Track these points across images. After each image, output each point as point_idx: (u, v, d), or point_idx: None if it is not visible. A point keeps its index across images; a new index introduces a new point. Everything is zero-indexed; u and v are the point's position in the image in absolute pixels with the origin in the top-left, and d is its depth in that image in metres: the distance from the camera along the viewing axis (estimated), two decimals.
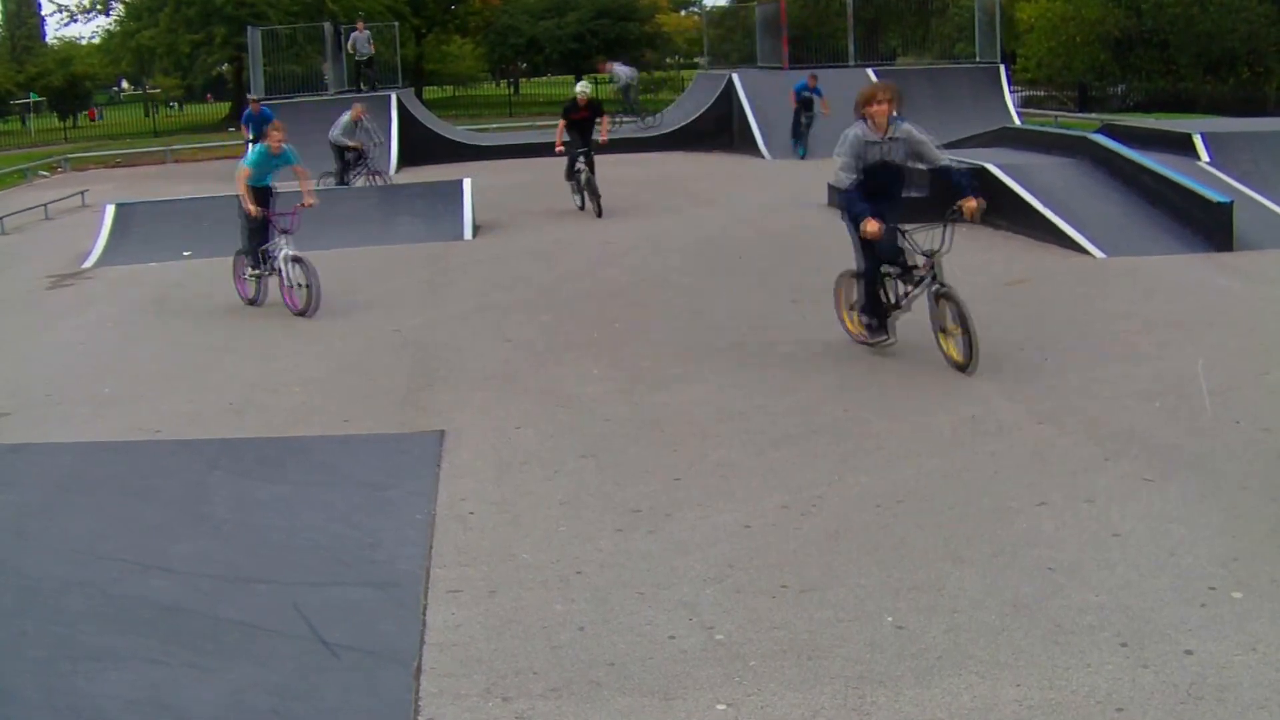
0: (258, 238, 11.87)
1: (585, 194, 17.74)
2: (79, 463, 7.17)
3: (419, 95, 41.76)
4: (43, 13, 74.17)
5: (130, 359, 10.13)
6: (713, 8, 57.79)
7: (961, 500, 6.01)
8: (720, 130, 29.01)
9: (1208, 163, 15.06)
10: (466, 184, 17.41)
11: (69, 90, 58.95)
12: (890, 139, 8.31)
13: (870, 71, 29.33)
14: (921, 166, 8.83)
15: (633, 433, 7.43)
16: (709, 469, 6.68)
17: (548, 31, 57.02)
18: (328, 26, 32.60)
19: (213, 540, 5.80)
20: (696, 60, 58.48)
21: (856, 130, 8.33)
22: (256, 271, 12.01)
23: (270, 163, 11.88)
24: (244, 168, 11.91)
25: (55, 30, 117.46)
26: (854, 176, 8.31)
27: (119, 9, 52.22)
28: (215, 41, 45.03)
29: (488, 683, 4.40)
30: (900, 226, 8.38)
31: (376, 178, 20.74)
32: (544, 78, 68.26)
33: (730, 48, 41.87)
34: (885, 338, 8.81)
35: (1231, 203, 12.94)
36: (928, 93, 26.03)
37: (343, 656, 4.59)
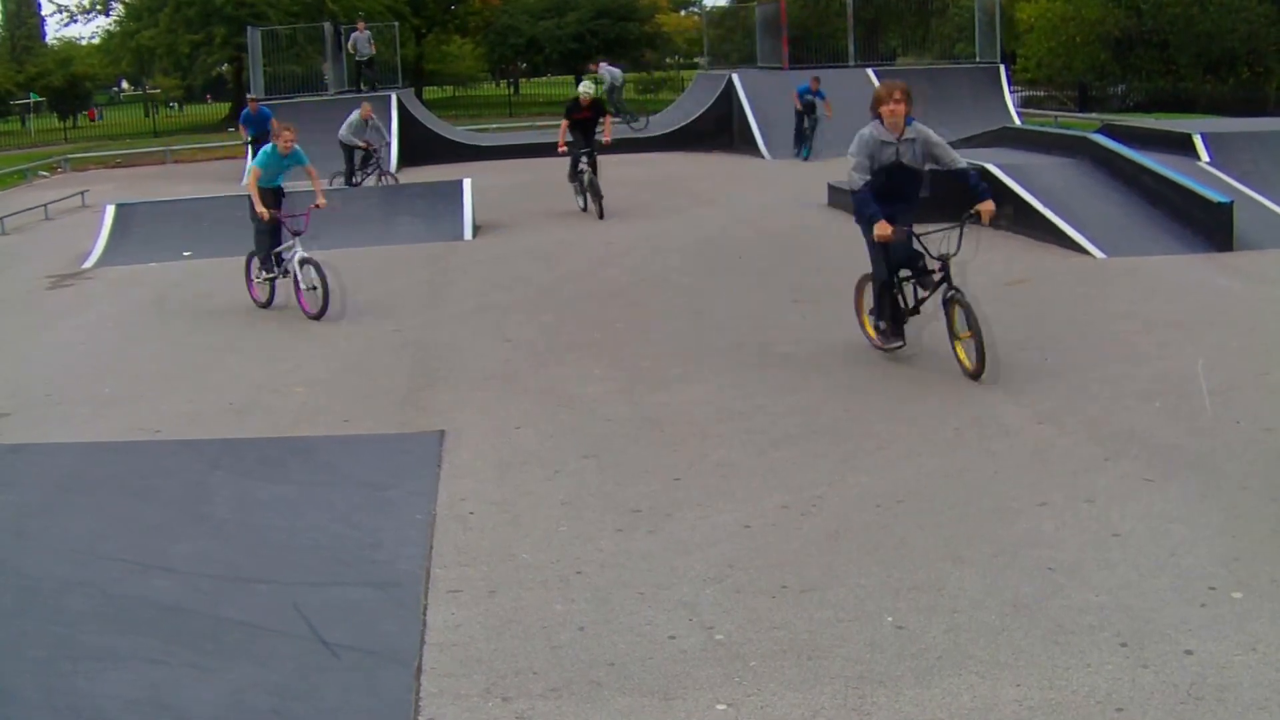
0: (269, 240, 11.70)
1: (588, 195, 17.62)
2: (79, 463, 7.17)
3: (419, 95, 41.77)
4: (43, 13, 74.39)
5: (130, 359, 10.13)
6: (712, 8, 57.83)
7: (962, 500, 6.01)
8: (720, 130, 29.02)
9: (1208, 163, 15.07)
10: (467, 184, 17.41)
11: (69, 90, 58.94)
12: (904, 140, 8.11)
13: (870, 72, 29.36)
14: (938, 169, 8.47)
15: (633, 433, 7.43)
16: (709, 469, 6.68)
17: (547, 32, 57.04)
18: (328, 27, 32.61)
19: (213, 540, 5.80)
20: (696, 60, 58.53)
21: (870, 130, 8.14)
22: (269, 275, 11.82)
23: (280, 163, 11.72)
24: (254, 169, 11.77)
25: (55, 30, 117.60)
26: (866, 177, 8.10)
27: (119, 9, 52.28)
28: (215, 42, 45.06)
29: (488, 683, 4.40)
30: (913, 230, 8.19)
31: (387, 178, 20.66)
32: (544, 78, 68.28)
33: (730, 48, 41.87)
34: (899, 343, 8.63)
35: (1232, 203, 12.94)
36: (928, 93, 26.02)
37: (343, 656, 4.59)
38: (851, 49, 31.59)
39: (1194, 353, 8.53)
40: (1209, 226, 12.88)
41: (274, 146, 11.66)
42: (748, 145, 27.50)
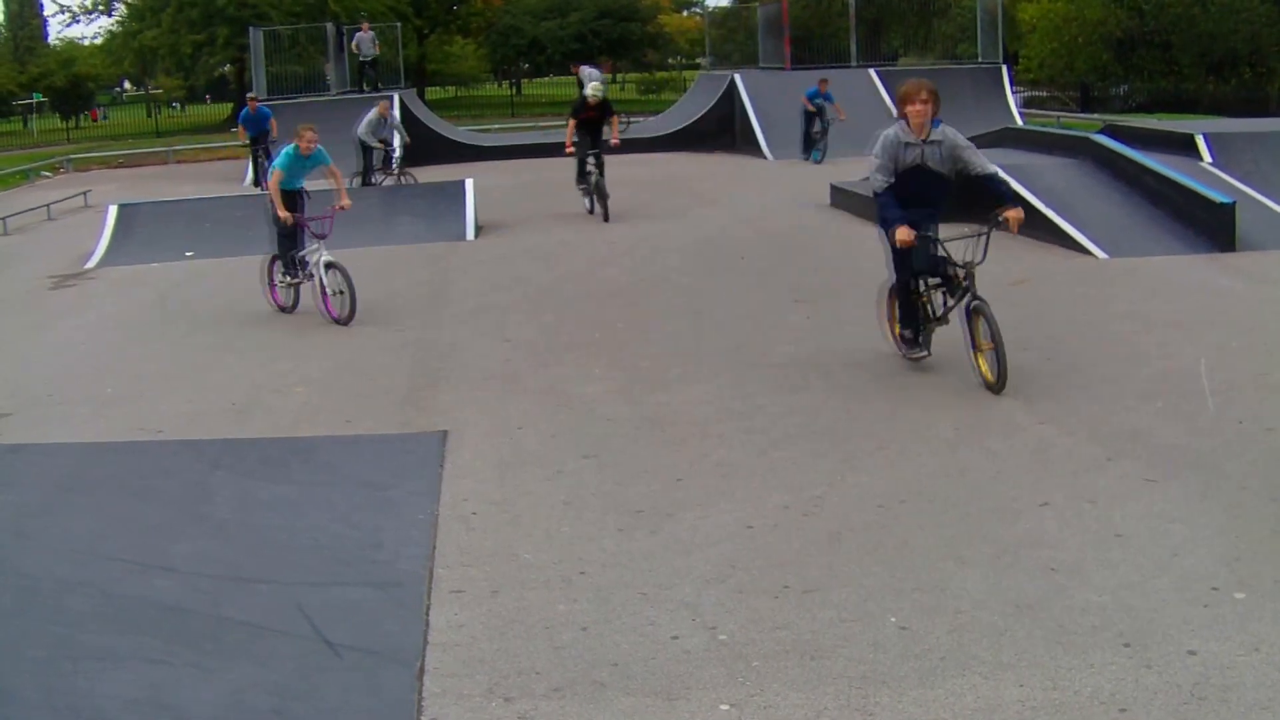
0: (290, 243, 11.40)
1: (594, 196, 17.34)
2: (80, 463, 7.16)
3: (421, 96, 41.76)
4: (45, 13, 74.22)
5: (132, 359, 10.12)
6: (715, 8, 57.92)
7: (964, 500, 6.01)
8: (722, 131, 29.04)
9: (1210, 163, 15.06)
10: (468, 184, 17.41)
11: (71, 91, 59.01)
12: (928, 142, 7.79)
13: (873, 72, 29.40)
14: (970, 173, 7.95)
15: (634, 433, 7.42)
16: (710, 469, 6.67)
17: (550, 32, 57.07)
18: (330, 27, 32.66)
19: (214, 540, 5.80)
20: (698, 61, 58.56)
21: (893, 131, 7.85)
22: (292, 280, 11.50)
23: (302, 164, 11.33)
24: (275, 170, 11.36)
25: (58, 31, 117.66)
26: (888, 180, 7.81)
27: (121, 9, 52.33)
28: (217, 42, 45.09)
29: (490, 683, 4.39)
30: (935, 236, 7.92)
31: (406, 177, 20.51)
32: (546, 78, 68.33)
33: (732, 48, 41.89)
34: (922, 353, 8.36)
35: (1234, 203, 12.94)
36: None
37: (345, 656, 4.59)
38: (854, 49, 31.60)
39: (1195, 353, 8.52)
40: (1211, 227, 12.87)
41: (295, 147, 11.24)
42: (750, 146, 27.52)
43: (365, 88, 30.25)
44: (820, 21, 42.98)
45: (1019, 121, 26.85)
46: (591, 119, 17.20)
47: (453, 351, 9.84)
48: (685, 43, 67.59)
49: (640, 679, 4.38)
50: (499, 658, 4.58)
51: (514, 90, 70.76)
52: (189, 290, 13.47)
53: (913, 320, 8.31)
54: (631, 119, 31.00)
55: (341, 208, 11.31)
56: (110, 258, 15.76)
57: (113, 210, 17.21)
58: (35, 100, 57.11)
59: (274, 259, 11.72)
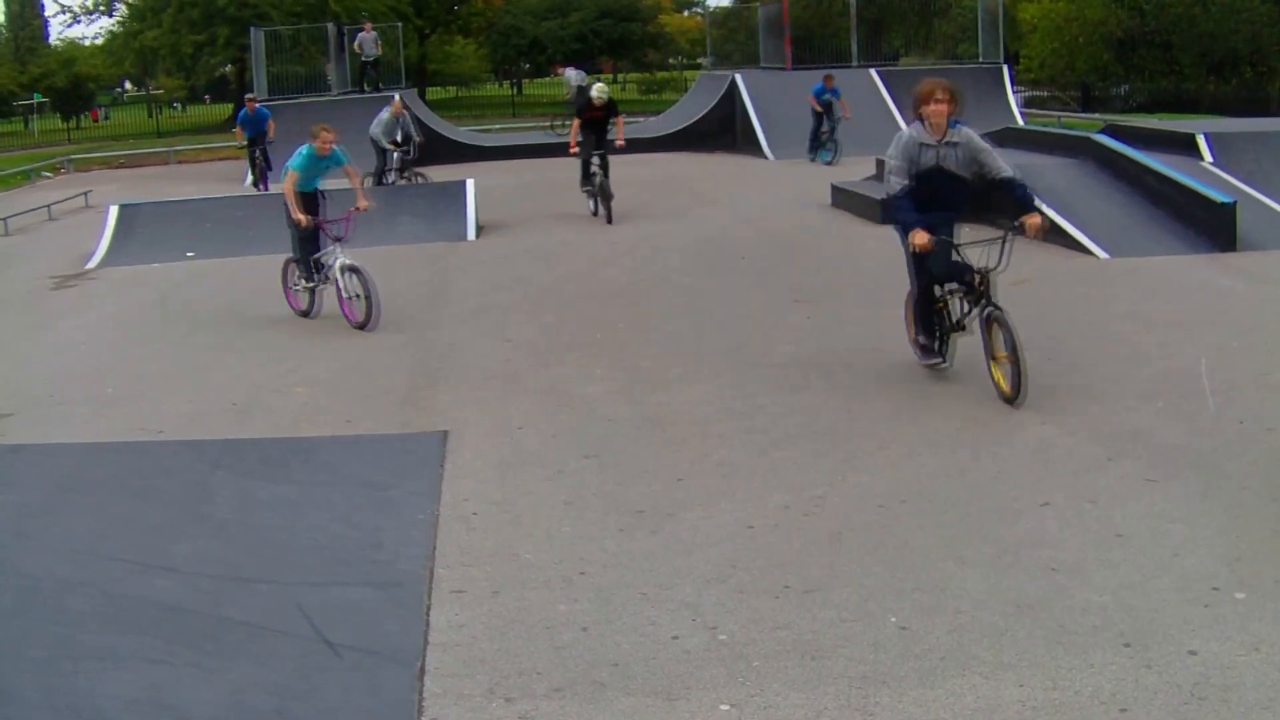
0: (308, 246, 11.06)
1: (598, 198, 17.18)
2: (81, 463, 7.16)
3: (422, 96, 41.77)
4: (46, 13, 74.13)
5: (133, 359, 10.13)
6: (716, 8, 57.91)
7: (964, 500, 6.01)
8: (723, 131, 29.03)
9: (1211, 163, 15.06)
10: (469, 184, 17.40)
11: (72, 91, 59.00)
12: (947, 143, 7.53)
13: (874, 72, 29.40)
14: (990, 177, 7.71)
15: (635, 433, 7.42)
16: (711, 469, 6.67)
17: (550, 32, 57.08)
18: (331, 27, 32.65)
19: (214, 540, 5.80)
20: (699, 61, 58.55)
21: (910, 131, 7.61)
22: (310, 284, 11.21)
23: (318, 165, 11.00)
24: (291, 172, 10.98)
25: (59, 31, 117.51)
26: (905, 182, 7.55)
27: (122, 10, 52.31)
28: (218, 42, 45.07)
29: (491, 683, 4.39)
30: (954, 241, 7.69)
31: (418, 177, 20.43)
32: (547, 78, 68.34)
33: (733, 48, 41.88)
34: (940, 361, 8.08)
35: (1235, 203, 12.93)
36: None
37: (345, 657, 4.59)
38: (855, 49, 31.60)
39: (1196, 353, 8.52)
40: (1212, 227, 12.87)
41: (311, 148, 10.89)
42: (751, 146, 27.52)
43: (366, 88, 30.25)
44: (821, 21, 42.97)
45: (1020, 121, 26.85)
46: (596, 119, 17.03)
47: (453, 351, 9.85)
48: (686, 43, 67.59)
49: (641, 679, 4.38)
50: (499, 658, 4.58)
51: (515, 90, 70.76)
52: (190, 290, 13.47)
53: (929, 328, 8.06)
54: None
55: (360, 209, 10.97)
56: (111, 258, 15.76)
57: (114, 210, 17.21)
58: (36, 101, 57.10)
59: (291, 262, 11.43)
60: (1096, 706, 4.06)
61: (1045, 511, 5.82)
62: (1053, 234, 13.24)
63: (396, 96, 21.84)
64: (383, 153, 20.39)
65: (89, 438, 7.69)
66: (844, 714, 4.09)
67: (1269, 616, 4.60)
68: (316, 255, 11.08)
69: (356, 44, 30.26)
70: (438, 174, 20.90)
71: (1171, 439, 6.80)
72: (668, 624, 4.80)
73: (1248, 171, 14.71)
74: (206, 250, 15.59)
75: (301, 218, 10.79)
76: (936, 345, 8.07)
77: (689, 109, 31.88)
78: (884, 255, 12.57)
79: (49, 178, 30.61)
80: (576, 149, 17.26)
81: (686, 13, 71.45)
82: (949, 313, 7.95)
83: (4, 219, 19.99)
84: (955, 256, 7.68)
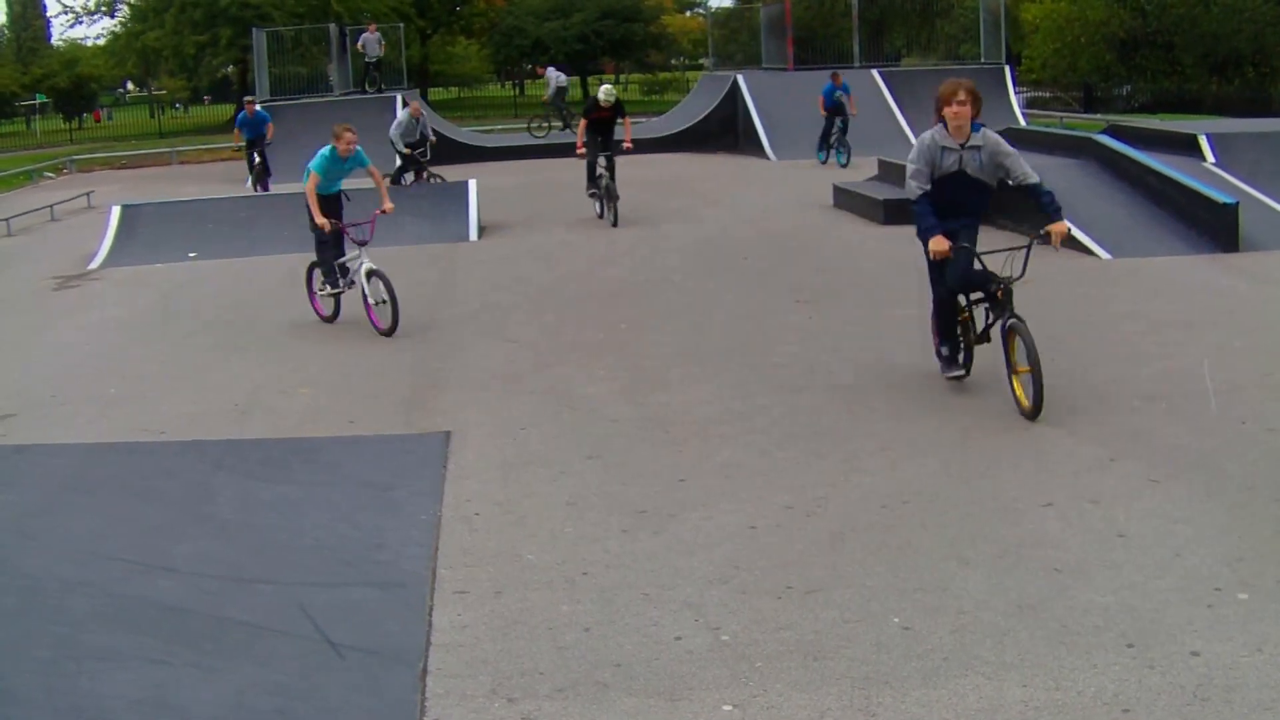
0: (330, 250, 10.76)
1: (604, 199, 16.99)
2: (83, 463, 7.17)
3: (424, 96, 41.67)
4: (48, 14, 74.35)
5: (135, 360, 10.13)
6: (717, 9, 57.96)
7: (966, 501, 6.00)
8: (725, 131, 29.06)
9: (1213, 164, 15.07)
10: (471, 185, 17.40)
11: (74, 92, 59.06)
12: (969, 147, 7.31)
13: (876, 73, 29.41)
14: (1012, 182, 7.48)
15: (637, 433, 7.42)
16: (713, 469, 6.67)
17: (553, 33, 57.03)
18: (333, 28, 32.66)
19: (216, 540, 5.80)
20: (701, 61, 58.57)
21: (931, 135, 7.38)
22: (334, 290, 10.91)
23: (340, 167, 10.71)
24: (312, 174, 10.60)
25: (60, 32, 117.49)
26: (925, 187, 7.33)
27: (124, 10, 52.36)
28: (220, 43, 45.11)
29: (493, 683, 4.39)
30: (974, 248, 7.49)
31: (436, 178, 20.37)
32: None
33: (735, 49, 41.92)
34: (960, 372, 7.84)
35: (1237, 204, 12.93)
36: (933, 94, 25.96)
37: (347, 657, 4.59)
38: (856, 50, 31.63)
39: (1198, 353, 8.51)
40: (1214, 227, 12.87)
41: (332, 149, 10.59)
42: (752, 146, 27.54)
43: (369, 88, 30.26)
44: (823, 22, 43.00)
45: (1022, 122, 26.88)
46: (603, 119, 16.91)
47: (455, 352, 9.85)
48: (688, 43, 67.58)
49: (643, 679, 4.38)
50: (502, 658, 4.58)
51: (517, 91, 70.74)
52: (192, 291, 13.47)
53: (952, 338, 7.81)
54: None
55: (385, 211, 10.69)
56: (113, 258, 15.77)
57: (116, 211, 17.22)
58: (38, 101, 57.21)
59: (314, 266, 11.19)
60: (1099, 707, 4.05)
61: (1047, 512, 5.81)
62: None
63: (399, 96, 21.82)
64: (407, 156, 20.18)
65: (91, 438, 7.69)
66: (847, 714, 4.09)
67: (1272, 617, 4.60)
68: (341, 260, 10.79)
69: (360, 44, 30.28)
70: (439, 174, 20.87)
71: (1174, 439, 6.80)
72: (670, 624, 4.80)
73: (1249, 172, 14.72)
74: (208, 251, 15.60)
75: (323, 221, 10.48)
76: (959, 356, 7.84)
77: (691, 109, 31.90)
78: (885, 256, 12.60)
79: (51, 178, 30.64)
80: (583, 150, 17.09)
81: (688, 13, 71.43)
82: (974, 323, 7.71)
83: (6, 219, 20.01)
84: (976, 265, 7.47)
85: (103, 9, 53.78)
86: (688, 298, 11.71)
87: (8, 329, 11.90)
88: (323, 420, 8.00)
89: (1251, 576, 4.95)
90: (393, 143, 20.08)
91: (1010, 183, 7.48)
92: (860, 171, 19.97)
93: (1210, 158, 15.22)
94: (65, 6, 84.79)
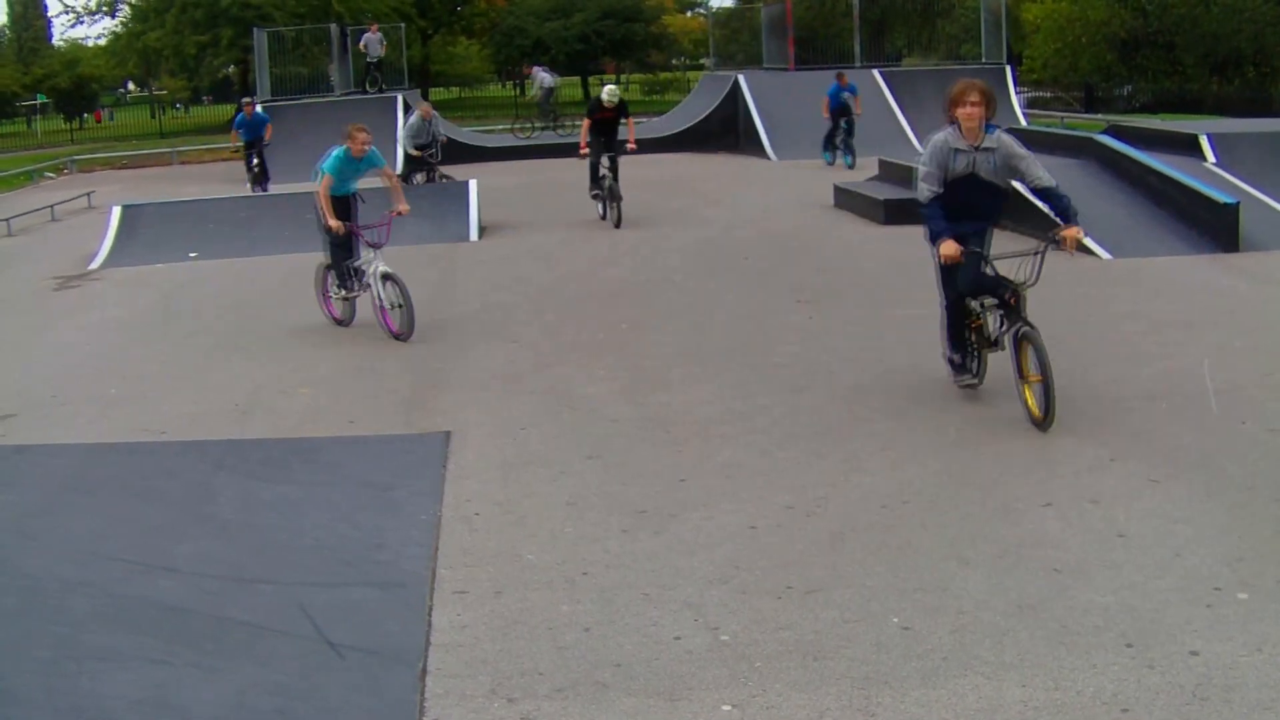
0: (343, 252, 10.52)
1: (607, 200, 16.84)
2: (83, 463, 7.17)
3: (425, 97, 41.70)
4: (49, 14, 74.42)
5: (135, 360, 10.13)
6: (718, 9, 57.99)
7: (966, 501, 6.01)
8: (726, 131, 29.04)
9: (1214, 164, 15.06)
10: (472, 185, 17.40)
11: (75, 92, 59.07)
12: (981, 149, 7.13)
13: (877, 73, 29.39)
14: (1027, 186, 7.43)
15: (637, 433, 7.43)
16: (714, 469, 6.67)
17: (554, 33, 57.01)
18: (334, 28, 32.65)
19: (217, 540, 5.80)
20: (702, 61, 58.56)
21: (943, 136, 7.20)
22: (348, 293, 10.71)
23: (354, 168, 10.48)
24: (325, 175, 10.34)
25: (61, 32, 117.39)
26: (935, 189, 7.17)
27: (125, 10, 52.36)
28: (221, 43, 45.10)
29: (493, 683, 4.39)
30: (986, 253, 7.31)
31: (445, 179, 20.31)
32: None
33: (736, 49, 41.89)
34: (971, 379, 7.68)
35: (1238, 204, 12.93)
36: (933, 94, 25.98)
37: (347, 657, 4.59)
38: (857, 50, 31.60)
39: (1199, 353, 8.52)
40: (1215, 227, 12.87)
41: (346, 150, 10.33)
42: (753, 146, 27.52)
43: (370, 89, 30.26)
44: (824, 22, 42.98)
45: (1023, 122, 26.82)
46: (607, 119, 16.81)
47: (456, 352, 9.85)
48: (689, 43, 67.58)
49: (643, 680, 4.38)
50: (502, 658, 4.58)
51: (518, 91, 70.76)
52: (192, 291, 13.47)
53: (961, 344, 7.63)
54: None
55: (399, 213, 10.44)
56: (114, 259, 15.76)
57: (116, 211, 17.21)
58: (39, 101, 57.17)
59: (327, 269, 10.94)
60: (1099, 707, 4.05)
61: (1047, 512, 5.81)
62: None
63: (400, 96, 21.82)
64: (416, 158, 20.04)
65: (91, 438, 7.69)
66: (846, 714, 4.09)
67: (1271, 617, 4.60)
68: (355, 263, 10.56)
69: (362, 44, 30.29)
70: (449, 175, 20.87)
71: (1174, 439, 6.80)
72: (670, 624, 4.80)
73: (1250, 172, 14.72)
74: (209, 251, 15.60)
75: (335, 224, 10.25)
76: (970, 363, 7.68)
77: (692, 109, 31.88)
78: (886, 256, 12.61)
79: (52, 178, 30.64)
80: (587, 150, 16.96)
81: (689, 13, 71.45)
82: (986, 329, 7.52)
83: (7, 219, 20.01)
84: (987, 270, 7.30)
85: (103, 9, 53.82)
86: (688, 298, 11.71)
87: (8, 329, 11.91)
88: (323, 420, 8.01)
89: (1251, 576, 4.96)
90: (402, 145, 20.03)
91: (1025, 186, 7.28)
92: (861, 171, 19.98)
93: (1211, 158, 15.22)
94: (66, 6, 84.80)
